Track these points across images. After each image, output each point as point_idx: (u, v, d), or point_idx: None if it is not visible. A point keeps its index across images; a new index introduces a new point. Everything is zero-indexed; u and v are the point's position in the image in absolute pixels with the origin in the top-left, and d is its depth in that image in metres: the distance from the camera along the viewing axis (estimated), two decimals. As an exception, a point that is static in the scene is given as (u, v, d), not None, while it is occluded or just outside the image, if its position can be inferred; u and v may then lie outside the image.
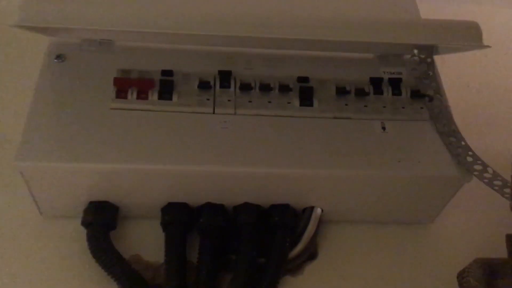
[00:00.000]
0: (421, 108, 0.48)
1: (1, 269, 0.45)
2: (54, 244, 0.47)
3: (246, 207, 0.47)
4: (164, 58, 0.48)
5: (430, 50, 0.48)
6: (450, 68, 0.53)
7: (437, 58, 0.50)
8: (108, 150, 0.42)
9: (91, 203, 0.46)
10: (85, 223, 0.46)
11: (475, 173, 0.43)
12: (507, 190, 0.41)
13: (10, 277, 0.45)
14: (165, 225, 0.47)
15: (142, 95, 0.45)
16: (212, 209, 0.47)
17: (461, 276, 0.45)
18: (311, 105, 0.47)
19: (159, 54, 0.49)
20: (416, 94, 0.49)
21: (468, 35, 0.43)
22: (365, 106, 0.48)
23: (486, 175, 0.43)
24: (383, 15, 0.50)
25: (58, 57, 0.47)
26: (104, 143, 0.43)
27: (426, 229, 0.52)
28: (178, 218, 0.46)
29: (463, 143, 0.46)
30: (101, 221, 0.46)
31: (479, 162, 0.44)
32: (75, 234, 0.47)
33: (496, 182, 0.42)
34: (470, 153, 0.45)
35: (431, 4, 0.56)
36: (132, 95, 0.45)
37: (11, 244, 0.46)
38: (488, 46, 0.43)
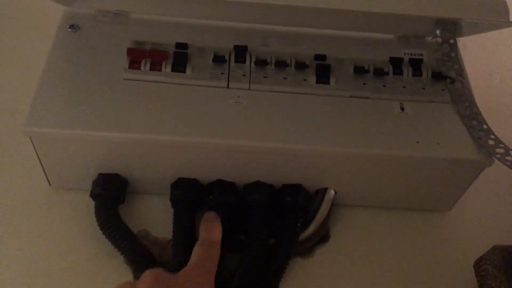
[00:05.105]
0: (442, 90, 0.47)
1: (9, 239, 0.45)
2: (62, 215, 0.46)
3: (258, 186, 0.46)
4: (179, 32, 0.48)
5: (453, 30, 0.47)
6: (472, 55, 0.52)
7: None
8: (119, 119, 0.42)
9: (100, 175, 0.45)
10: (93, 195, 0.45)
11: (497, 155, 0.42)
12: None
13: (18, 247, 0.44)
14: (174, 201, 0.46)
15: (155, 66, 0.45)
16: (223, 186, 0.46)
17: (479, 264, 0.44)
18: (327, 83, 0.46)
19: (175, 28, 0.48)
20: (438, 76, 0.47)
21: (494, 11, 0.41)
22: (384, 86, 0.46)
23: (508, 158, 0.41)
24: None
25: (72, 26, 0.47)
26: (116, 112, 0.42)
27: (443, 216, 0.50)
28: (187, 194, 0.45)
29: (485, 126, 0.44)
30: (110, 193, 0.45)
31: (501, 145, 0.43)
32: (84, 207, 0.46)
33: (519, 165, 0.41)
34: (492, 136, 0.43)
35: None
36: (145, 66, 0.45)
37: (19, 215, 0.46)
38: (514, 24, 0.42)
